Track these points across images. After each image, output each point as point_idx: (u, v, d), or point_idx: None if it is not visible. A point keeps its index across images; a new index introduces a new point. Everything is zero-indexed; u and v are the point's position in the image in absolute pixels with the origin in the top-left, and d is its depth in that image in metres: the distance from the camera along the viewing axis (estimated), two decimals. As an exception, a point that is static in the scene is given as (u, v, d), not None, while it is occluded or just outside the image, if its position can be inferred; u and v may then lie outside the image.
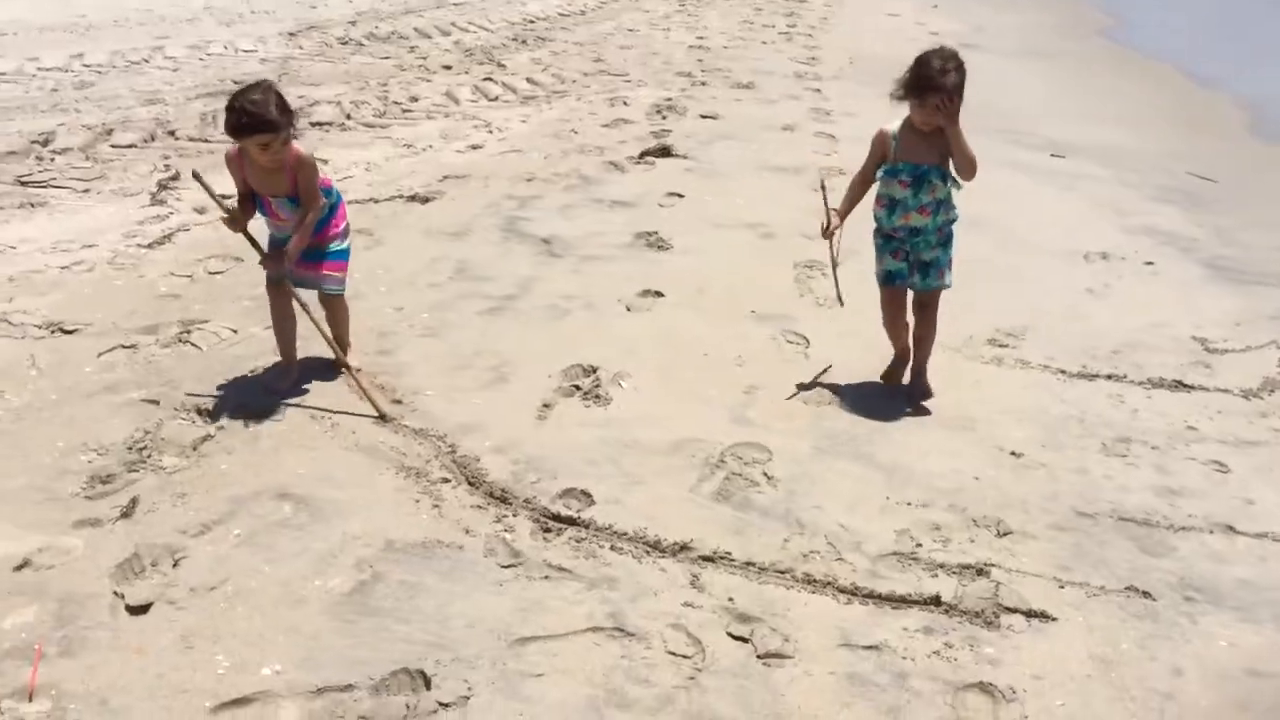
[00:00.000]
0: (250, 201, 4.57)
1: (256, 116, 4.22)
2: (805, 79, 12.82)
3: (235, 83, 10.60)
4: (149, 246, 6.38)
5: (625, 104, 10.97)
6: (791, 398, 4.95)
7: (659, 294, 6.06)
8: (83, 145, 8.27)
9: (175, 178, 7.63)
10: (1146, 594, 3.72)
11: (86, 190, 7.29)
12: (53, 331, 5.20)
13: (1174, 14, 20.46)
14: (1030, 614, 3.57)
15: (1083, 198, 8.70)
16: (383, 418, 4.57)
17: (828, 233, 4.92)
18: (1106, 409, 5.04)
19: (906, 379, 5.12)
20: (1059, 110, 12.37)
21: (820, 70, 13.42)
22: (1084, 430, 4.83)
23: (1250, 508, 4.29)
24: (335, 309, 4.88)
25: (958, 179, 4.73)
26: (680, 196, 7.90)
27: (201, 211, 7.05)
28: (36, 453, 4.18)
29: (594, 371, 5.06)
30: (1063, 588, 3.73)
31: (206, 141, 8.67)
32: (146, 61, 11.39)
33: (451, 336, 5.35)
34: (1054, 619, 3.56)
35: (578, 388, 4.92)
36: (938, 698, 3.18)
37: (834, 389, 5.04)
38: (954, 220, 4.88)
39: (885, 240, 4.95)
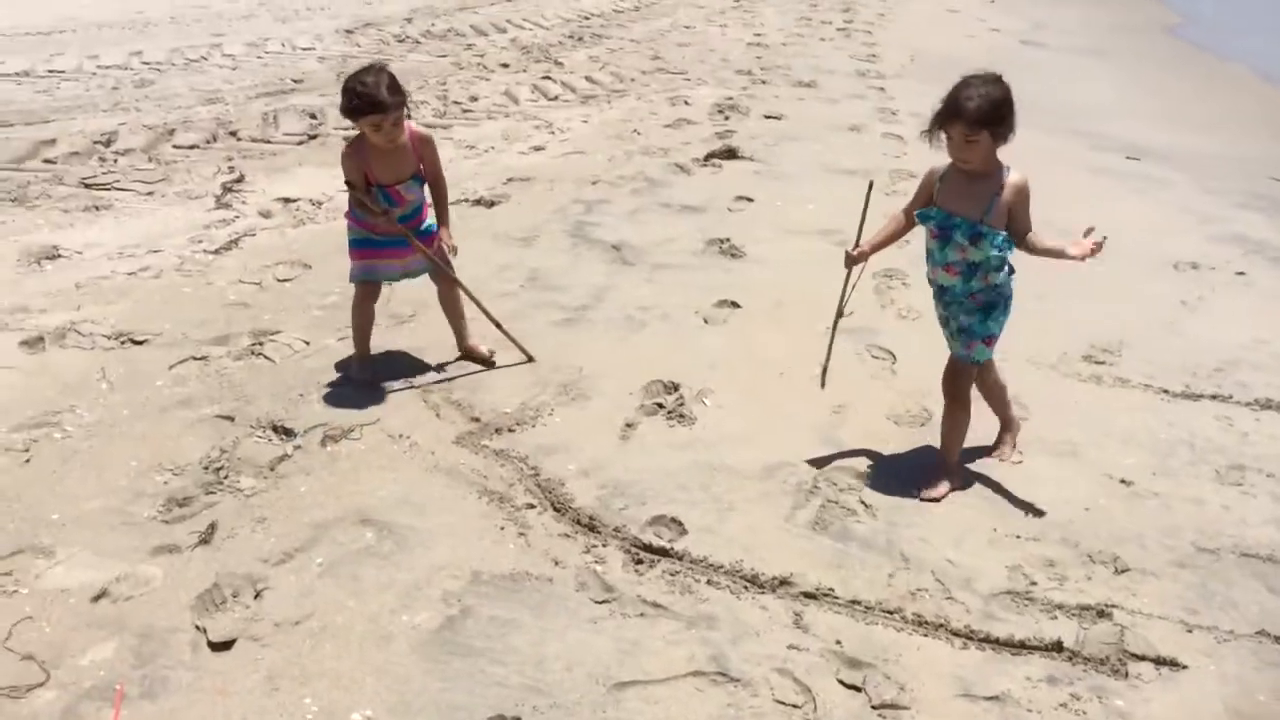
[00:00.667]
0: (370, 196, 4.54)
1: (367, 97, 4.28)
2: (868, 77, 12.55)
3: (295, 81, 10.57)
4: (215, 252, 6.27)
5: (686, 103, 10.77)
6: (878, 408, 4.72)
7: (736, 305, 5.86)
8: (145, 146, 8.20)
9: (240, 180, 7.54)
10: (1279, 639, 3.48)
11: (150, 193, 7.21)
12: (122, 342, 5.09)
13: (1242, 12, 19.94)
14: (1159, 661, 3.35)
15: (1164, 203, 8.40)
16: (530, 359, 5.00)
17: (850, 260, 4.13)
18: (1215, 433, 4.79)
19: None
20: (1128, 110, 12.03)
21: (882, 68, 13.13)
22: (1195, 456, 4.58)
23: (1382, 544, 4.03)
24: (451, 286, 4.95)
25: (1012, 242, 3.97)
26: (750, 200, 7.69)
27: (267, 215, 6.94)
28: (111, 473, 4.06)
29: (676, 389, 4.87)
30: (1190, 632, 3.50)
31: (269, 142, 8.58)
32: (205, 59, 11.33)
33: (528, 349, 5.16)
34: (1184, 667, 3.34)
35: (660, 405, 4.74)
36: (1069, 756, 2.97)
37: (926, 411, 4.80)
38: (998, 287, 4.03)
39: (935, 292, 4.27)
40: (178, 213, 6.92)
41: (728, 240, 6.83)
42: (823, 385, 4.43)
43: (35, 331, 5.13)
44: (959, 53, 14.86)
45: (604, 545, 3.77)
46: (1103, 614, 3.54)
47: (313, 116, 9.39)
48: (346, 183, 4.54)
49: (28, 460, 4.12)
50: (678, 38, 14.92)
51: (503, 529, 3.84)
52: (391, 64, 11.73)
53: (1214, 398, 5.13)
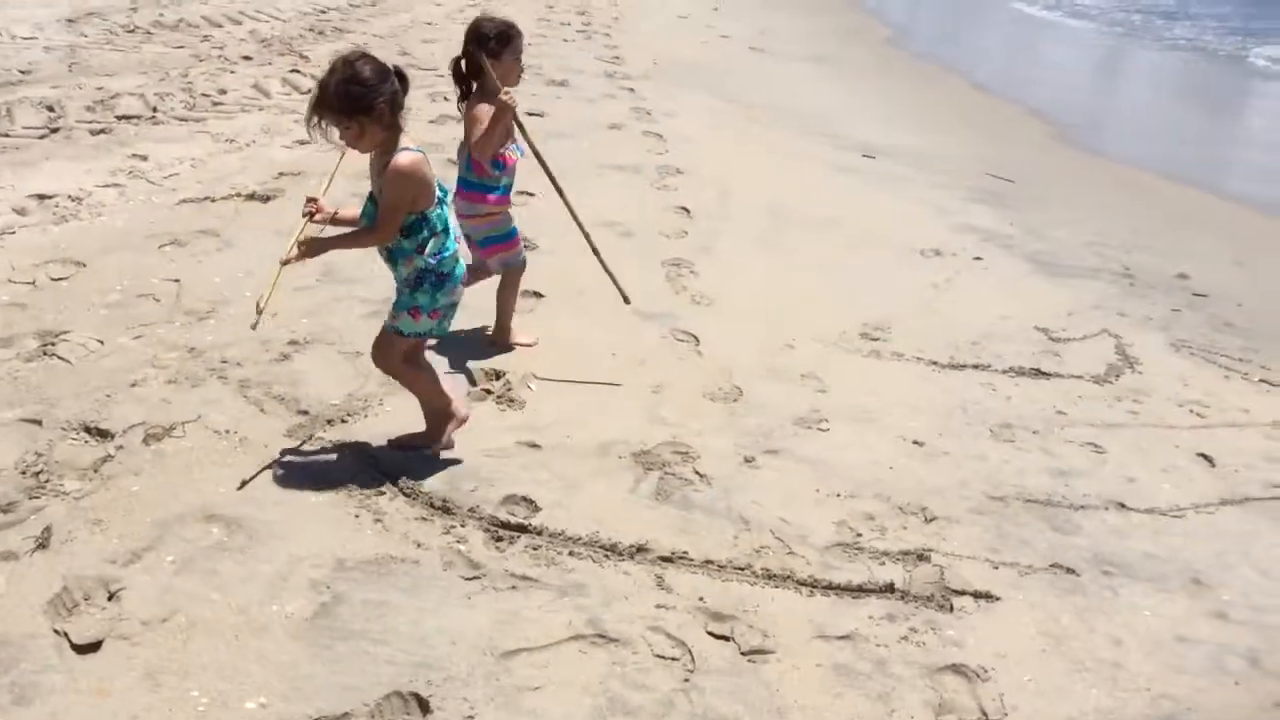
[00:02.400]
0: None
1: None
2: (616, 78, 12.93)
3: (21, 72, 9.86)
4: (-26, 251, 5.82)
5: (445, 99, 10.75)
6: (691, 392, 4.99)
7: (539, 294, 6.01)
8: None
9: (-19, 175, 6.98)
10: (1070, 570, 3.98)
11: (-117, 189, 6.57)
12: (-107, 347, 4.67)
13: (945, 24, 21.78)
14: (977, 595, 3.77)
15: (904, 197, 9.17)
16: (626, 301, 5.17)
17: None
18: (983, 397, 5.36)
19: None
20: (855, 113, 12.97)
21: (628, 70, 13.55)
22: (970, 418, 5.12)
23: (1133, 485, 4.65)
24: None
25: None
26: (531, 195, 7.81)
27: (22, 213, 6.50)
28: (-85, 482, 3.76)
29: (500, 375, 4.96)
30: (997, 568, 3.94)
31: (7, 136, 7.98)
32: (-88, 47, 10.35)
33: (342, 343, 5.12)
34: (998, 598, 3.77)
35: (489, 391, 4.84)
36: (918, 681, 3.32)
37: (737, 388, 5.12)
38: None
39: None
40: (-79, 210, 6.36)
41: (525, 237, 6.93)
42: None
43: None
44: (695, 57, 15.57)
45: (462, 525, 3.84)
46: (922, 557, 3.94)
47: (50, 109, 8.78)
48: None
49: None
50: (421, 34, 14.83)
51: (357, 516, 3.84)
52: (125, 56, 11.14)
53: (975, 367, 5.72)
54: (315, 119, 3.72)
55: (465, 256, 4.29)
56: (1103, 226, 8.93)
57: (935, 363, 5.71)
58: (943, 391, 5.37)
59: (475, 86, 4.83)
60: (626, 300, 5.26)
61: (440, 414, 4.27)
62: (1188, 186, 10.83)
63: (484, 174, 4.90)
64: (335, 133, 3.77)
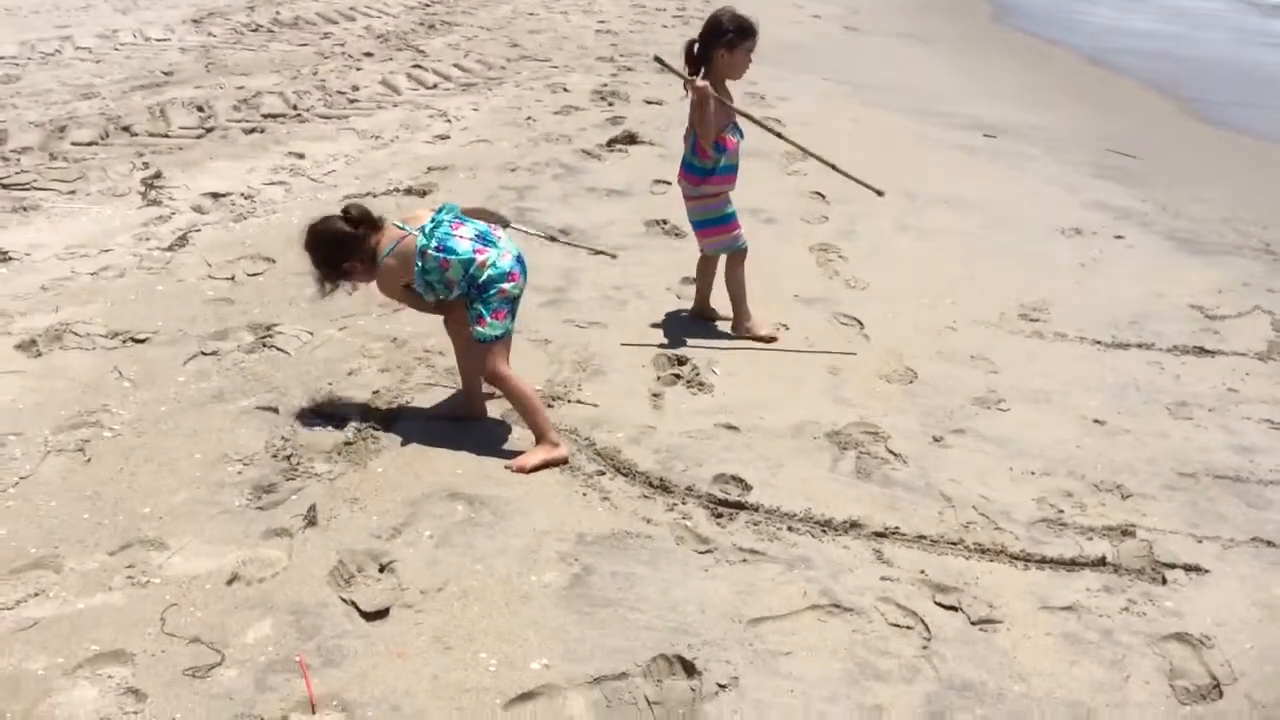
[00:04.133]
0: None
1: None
2: (723, 63, 13.00)
3: (165, 73, 10.28)
4: (169, 249, 6.16)
5: (566, 90, 11.01)
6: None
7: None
8: (40, 144, 7.88)
9: (158, 176, 7.35)
10: (1271, 543, 4.08)
11: (73, 192, 6.97)
12: (124, 341, 5.01)
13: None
14: (1187, 568, 3.89)
15: (1033, 176, 9.21)
16: (879, 192, 5.51)
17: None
18: (1153, 375, 5.45)
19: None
20: (966, 91, 12.95)
21: (734, 54, 13.61)
22: (1144, 397, 5.21)
23: (1316, 460, 4.72)
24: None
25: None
26: (668, 184, 8.02)
27: (201, 211, 6.85)
28: (182, 466, 4.07)
29: (684, 361, 5.17)
30: (1200, 542, 4.06)
31: (168, 137, 8.35)
32: (59, 53, 10.84)
33: (529, 331, 5.36)
34: (1208, 571, 3.89)
35: (678, 376, 5.04)
36: (1146, 649, 3.46)
37: (910, 370, 5.27)
38: None
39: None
40: (108, 211, 6.72)
41: (666, 221, 7.15)
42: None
43: (24, 335, 4.99)
44: (792, 38, 15.63)
45: (683, 503, 4.05)
46: (1126, 533, 4.06)
47: (200, 109, 9.17)
48: None
49: (88, 460, 4.08)
50: (526, 25, 15.10)
51: (585, 495, 4.07)
52: (255, 55, 11.53)
53: (1140, 346, 5.80)
54: (323, 285, 4.28)
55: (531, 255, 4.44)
56: (1235, 201, 8.88)
57: (1099, 342, 5.80)
58: (1111, 370, 5.46)
59: (702, 72, 5.03)
60: (879, 192, 5.52)
61: (541, 432, 4.29)
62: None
63: (705, 157, 5.10)
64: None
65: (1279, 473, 4.60)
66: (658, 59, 5.28)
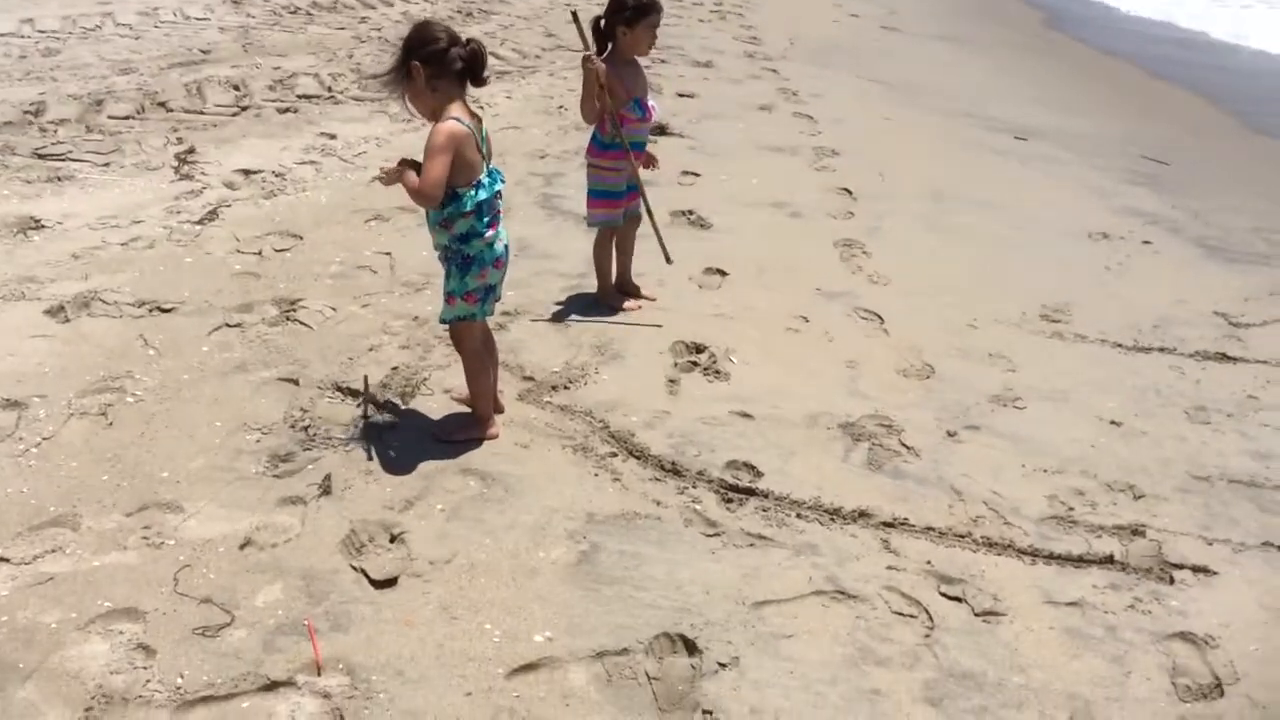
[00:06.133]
0: None
1: None
2: (757, 59, 13.05)
3: (203, 52, 10.39)
4: (199, 223, 6.24)
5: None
6: (894, 370, 5.16)
7: (723, 272, 6.22)
8: (78, 116, 7.99)
9: (191, 151, 7.45)
10: (1281, 548, 4.07)
11: (107, 164, 7.07)
12: (150, 311, 5.10)
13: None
14: (1195, 569, 3.88)
15: (1062, 180, 9.15)
16: (668, 260, 5.58)
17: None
18: (1173, 380, 5.42)
19: None
20: (1001, 93, 12.88)
21: (767, 50, 13.66)
22: (1163, 400, 5.19)
23: (1333, 469, 4.69)
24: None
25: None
26: (697, 175, 8.05)
27: (233, 187, 6.92)
28: (201, 433, 4.14)
29: (702, 349, 5.19)
30: (1211, 545, 4.05)
31: (202, 114, 8.45)
32: (99, 29, 10.97)
33: (550, 314, 5.40)
34: (1216, 573, 3.88)
35: (695, 364, 5.06)
36: (1150, 647, 3.46)
37: (927, 365, 5.27)
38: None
39: None
40: (142, 184, 6.82)
41: (692, 212, 7.17)
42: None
43: (54, 301, 5.08)
44: (829, 36, 15.60)
45: (694, 487, 4.08)
46: (1136, 532, 4.06)
47: (236, 88, 9.26)
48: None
49: (110, 424, 4.15)
50: (561, 16, 15.08)
51: (596, 475, 4.10)
52: (293, 36, 11.62)
53: (1161, 350, 5.77)
54: (387, 81, 3.88)
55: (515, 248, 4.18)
56: (1265, 210, 8.81)
57: (1120, 345, 5.78)
58: (1131, 373, 5.44)
59: (610, 48, 5.05)
60: (668, 259, 5.63)
61: (481, 415, 4.31)
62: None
63: (604, 130, 5.22)
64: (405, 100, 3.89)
65: (1295, 480, 4.57)
66: (573, 13, 5.26)
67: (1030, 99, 12.44)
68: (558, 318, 5.39)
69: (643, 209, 5.45)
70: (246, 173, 7.20)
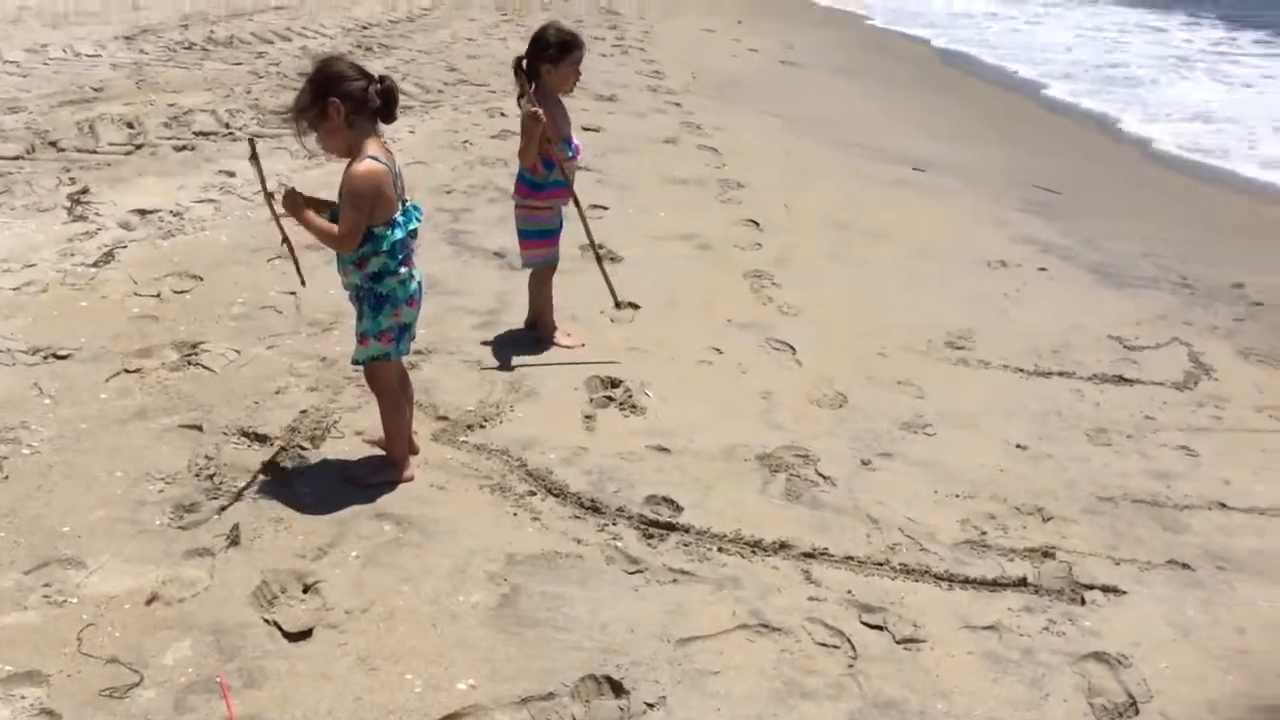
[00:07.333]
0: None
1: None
2: (660, 93, 13.18)
3: (94, 89, 10.13)
4: (94, 265, 6.06)
5: (503, 114, 10.99)
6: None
7: (634, 305, 6.23)
8: (-37, 156, 7.71)
9: (85, 191, 7.25)
10: (1186, 565, 4.20)
11: (-4, 205, 6.83)
12: (45, 358, 4.92)
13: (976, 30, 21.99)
14: (1105, 589, 3.98)
15: (960, 210, 9.40)
16: (617, 305, 5.80)
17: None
18: (1074, 403, 5.57)
19: None
20: (898, 126, 13.21)
21: (670, 84, 13.81)
22: (1065, 423, 5.33)
23: (1228, 487, 4.86)
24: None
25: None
26: (605, 208, 8.07)
27: (128, 228, 6.75)
28: (101, 484, 4.00)
29: (617, 384, 5.19)
30: (1118, 564, 4.16)
31: (95, 153, 8.23)
32: (-15, 64, 10.63)
33: (462, 352, 5.35)
34: (1125, 592, 3.98)
35: (610, 399, 5.06)
36: (1066, 668, 3.53)
37: (840, 394, 5.34)
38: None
39: None
40: (32, 225, 6.61)
41: (602, 245, 7.14)
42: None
43: (-59, 348, 4.88)
44: (730, 71, 15.83)
45: (614, 524, 4.07)
46: (1047, 554, 4.15)
47: (130, 126, 9.05)
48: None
49: (5, 477, 4.00)
50: (464, 50, 15.12)
51: (515, 514, 4.07)
52: (189, 72, 11.40)
53: (1061, 374, 5.94)
54: (295, 118, 3.78)
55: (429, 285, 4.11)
56: (1153, 236, 9.15)
57: (1021, 370, 5.93)
58: (1034, 397, 5.58)
59: (534, 87, 5.06)
60: (617, 303, 5.82)
61: (396, 458, 4.25)
62: (1233, 193, 11.07)
63: (535, 172, 5.24)
64: (313, 137, 3.81)
65: (1194, 498, 4.72)
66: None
67: (924, 131, 12.78)
68: (470, 355, 5.33)
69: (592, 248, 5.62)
70: (143, 213, 7.03)
